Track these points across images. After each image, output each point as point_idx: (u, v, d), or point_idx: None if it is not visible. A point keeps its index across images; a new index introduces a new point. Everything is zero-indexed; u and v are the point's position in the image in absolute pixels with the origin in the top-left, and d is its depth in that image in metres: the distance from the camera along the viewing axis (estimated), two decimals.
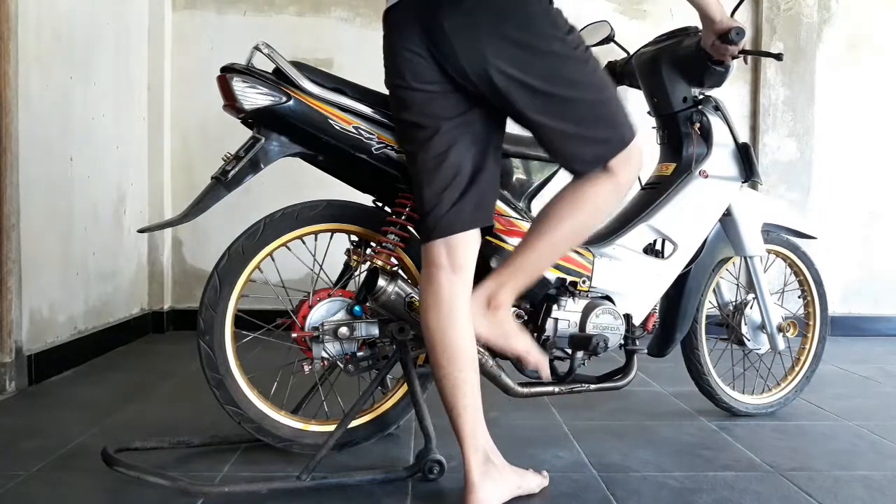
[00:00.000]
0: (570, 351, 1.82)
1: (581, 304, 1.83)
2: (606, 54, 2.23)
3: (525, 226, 1.78)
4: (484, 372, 1.66)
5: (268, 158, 1.65)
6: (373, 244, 1.80)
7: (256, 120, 1.64)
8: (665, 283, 1.99)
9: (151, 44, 3.51)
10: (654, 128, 2.14)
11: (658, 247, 2.02)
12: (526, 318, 1.81)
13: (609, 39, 2.13)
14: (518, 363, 1.70)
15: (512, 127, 1.58)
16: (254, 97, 1.58)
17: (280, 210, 1.74)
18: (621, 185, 1.53)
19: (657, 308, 2.03)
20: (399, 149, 1.66)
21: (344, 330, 1.71)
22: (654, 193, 2.03)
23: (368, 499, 1.58)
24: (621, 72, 2.19)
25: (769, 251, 2.22)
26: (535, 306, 1.82)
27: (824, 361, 2.39)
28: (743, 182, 2.08)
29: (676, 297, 2.06)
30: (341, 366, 1.75)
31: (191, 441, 1.85)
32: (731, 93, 3.67)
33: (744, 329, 2.20)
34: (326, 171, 1.82)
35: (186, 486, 1.55)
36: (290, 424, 1.77)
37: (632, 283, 1.93)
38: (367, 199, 1.86)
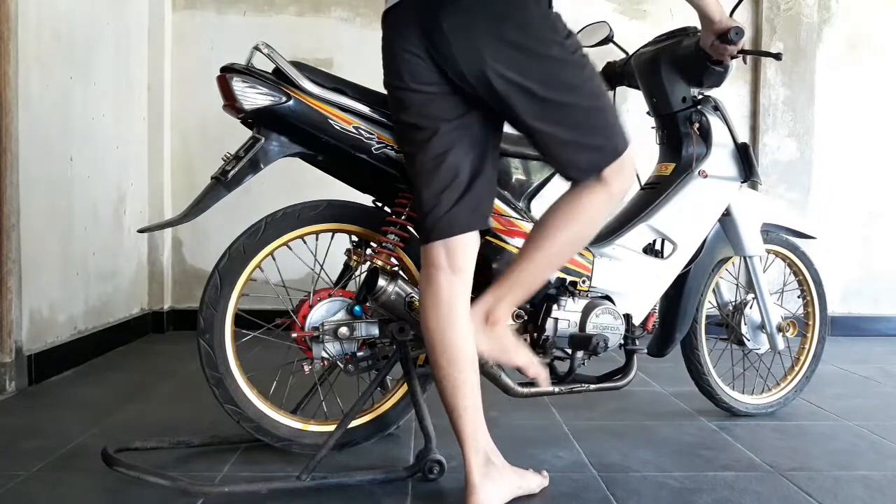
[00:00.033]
0: (569, 351, 1.83)
1: (581, 303, 1.83)
2: (606, 55, 2.23)
3: (525, 225, 1.78)
4: (484, 372, 1.66)
5: (268, 158, 1.65)
6: (373, 244, 1.80)
7: (256, 120, 1.65)
8: (665, 283, 1.99)
9: (151, 44, 3.51)
10: (653, 128, 2.14)
11: (658, 247, 2.02)
12: (526, 317, 1.81)
13: (608, 40, 2.13)
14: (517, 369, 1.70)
15: (511, 127, 1.58)
16: (254, 97, 1.58)
17: (281, 209, 1.75)
18: (614, 195, 1.53)
19: (657, 308, 2.03)
20: (399, 149, 1.66)
21: (344, 330, 1.71)
22: (654, 193, 2.03)
23: (368, 499, 1.58)
24: (620, 72, 2.19)
25: (768, 251, 2.22)
26: (535, 306, 1.82)
27: (824, 361, 2.39)
28: (742, 182, 2.08)
29: (676, 297, 2.06)
30: (341, 366, 1.75)
31: (191, 441, 1.85)
32: (731, 93, 3.67)
33: (743, 329, 2.20)
34: (326, 171, 1.82)
35: (186, 486, 1.55)
36: (289, 424, 1.77)
37: (631, 283, 1.93)
38: (367, 199, 1.86)
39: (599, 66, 2.21)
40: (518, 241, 1.74)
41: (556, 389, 1.81)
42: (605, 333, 1.80)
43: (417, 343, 1.69)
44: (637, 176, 1.99)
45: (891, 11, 3.82)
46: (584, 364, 1.84)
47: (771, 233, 2.21)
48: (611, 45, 2.15)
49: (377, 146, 1.67)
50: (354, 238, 1.83)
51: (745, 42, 1.86)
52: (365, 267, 1.75)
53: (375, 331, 1.73)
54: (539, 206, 1.73)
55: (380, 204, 1.85)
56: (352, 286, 1.85)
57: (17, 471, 1.69)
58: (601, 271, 1.89)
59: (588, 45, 2.10)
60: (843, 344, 3.47)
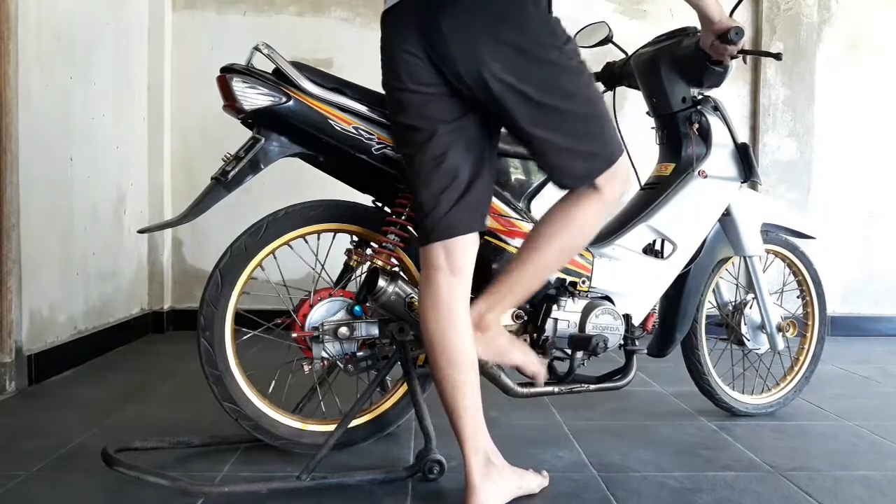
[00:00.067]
0: (569, 351, 1.83)
1: (581, 304, 1.83)
2: (605, 55, 2.23)
3: (524, 226, 1.78)
4: (484, 372, 1.66)
5: (268, 159, 1.65)
6: (373, 244, 1.80)
7: (256, 120, 1.65)
8: (664, 283, 1.99)
9: (151, 44, 3.51)
10: (653, 128, 2.14)
11: (657, 247, 2.02)
12: (526, 318, 1.81)
13: (607, 40, 2.13)
14: (516, 368, 1.70)
15: (506, 131, 1.58)
16: (254, 97, 1.59)
17: (284, 209, 1.75)
18: (607, 202, 1.53)
19: (657, 308, 2.03)
20: (397, 150, 1.66)
21: (344, 330, 1.71)
22: (654, 194, 2.03)
23: (368, 499, 1.58)
24: (620, 72, 2.19)
25: (768, 251, 2.22)
26: (534, 306, 1.82)
27: (824, 361, 2.39)
28: (742, 182, 2.08)
29: (676, 298, 2.06)
30: (341, 366, 1.75)
31: (191, 441, 1.85)
32: (731, 93, 3.67)
33: (743, 329, 2.20)
34: (326, 171, 1.82)
35: (186, 486, 1.55)
36: (288, 423, 1.77)
37: (631, 284, 1.93)
38: (367, 200, 1.86)
39: (599, 67, 2.23)
40: (518, 242, 1.74)
41: (556, 389, 1.81)
42: (604, 334, 1.80)
43: (417, 343, 1.69)
44: (637, 176, 2.00)
45: (891, 11, 3.82)
46: (583, 364, 1.84)
47: (770, 233, 2.21)
48: (610, 45, 2.15)
49: (377, 146, 1.67)
50: (355, 238, 1.84)
51: (745, 42, 1.86)
52: (365, 267, 1.75)
53: (375, 331, 1.73)
54: (539, 207, 1.73)
55: (380, 204, 1.85)
56: (353, 286, 1.85)
57: (17, 471, 1.69)
58: (601, 272, 1.89)
59: (587, 45, 2.10)
60: (843, 344, 3.46)
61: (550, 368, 1.81)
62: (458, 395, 1.49)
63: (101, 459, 1.65)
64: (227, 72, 1.61)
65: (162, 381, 2.59)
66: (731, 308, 2.24)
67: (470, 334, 1.51)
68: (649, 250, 2.00)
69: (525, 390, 1.78)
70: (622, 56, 2.19)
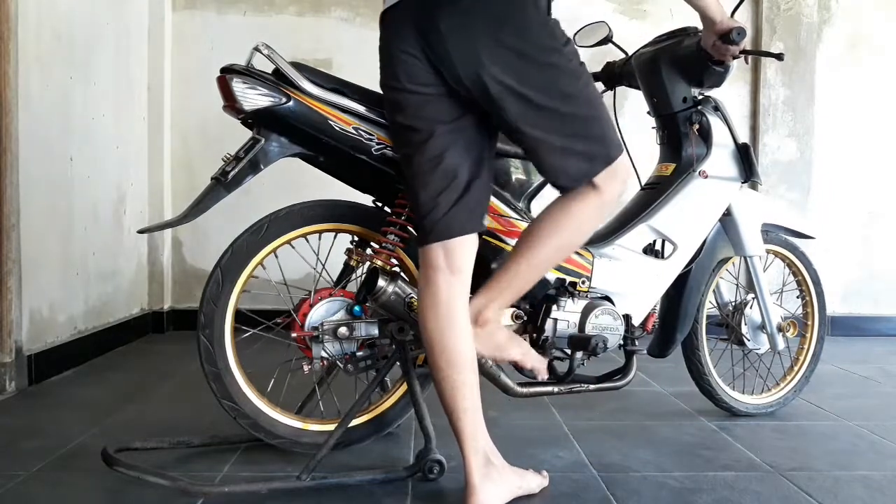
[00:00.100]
0: (569, 351, 1.82)
1: (580, 304, 1.83)
2: (605, 54, 2.23)
3: (524, 226, 1.78)
4: (483, 372, 1.66)
5: (268, 159, 1.65)
6: (373, 244, 1.80)
7: (256, 120, 1.65)
8: (665, 283, 1.99)
9: (151, 44, 3.51)
10: (653, 128, 2.14)
11: (658, 247, 2.02)
12: (525, 318, 1.81)
13: (607, 40, 2.13)
14: (516, 365, 1.70)
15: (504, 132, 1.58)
16: (254, 98, 1.59)
17: (286, 207, 1.75)
18: (606, 202, 1.53)
19: (657, 308, 2.03)
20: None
21: (343, 330, 1.71)
22: (654, 194, 2.03)
23: (368, 499, 1.58)
24: (620, 72, 2.19)
25: (768, 251, 2.22)
26: (534, 306, 1.82)
27: (824, 361, 2.39)
28: (743, 182, 2.08)
29: (676, 298, 2.06)
30: (341, 366, 1.75)
31: (191, 441, 1.85)
32: (731, 93, 3.67)
33: (744, 329, 2.20)
34: (326, 171, 1.82)
35: (186, 486, 1.55)
36: (287, 423, 1.77)
37: (631, 284, 1.93)
38: (367, 200, 1.86)
39: (599, 66, 2.23)
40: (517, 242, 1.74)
41: (556, 389, 1.81)
42: (604, 334, 1.80)
43: (417, 343, 1.69)
44: (637, 176, 2.00)
45: (891, 11, 3.82)
46: (583, 364, 1.84)
47: (771, 233, 2.21)
48: (610, 45, 2.15)
49: (377, 147, 1.67)
50: (355, 238, 1.83)
51: (746, 42, 1.86)
52: (365, 267, 1.76)
53: (375, 331, 1.73)
54: (539, 207, 1.73)
55: (380, 204, 1.85)
56: (353, 286, 1.84)
57: (17, 471, 1.69)
58: (601, 272, 1.89)
59: (587, 44, 2.10)
60: (843, 344, 3.46)
61: (550, 368, 1.81)
62: (457, 395, 1.49)
63: (101, 459, 1.65)
64: (227, 72, 1.61)
65: (162, 381, 2.59)
66: (731, 308, 2.24)
67: (469, 335, 1.51)
68: (649, 250, 2.00)
69: (525, 390, 1.78)
70: (622, 56, 2.19)
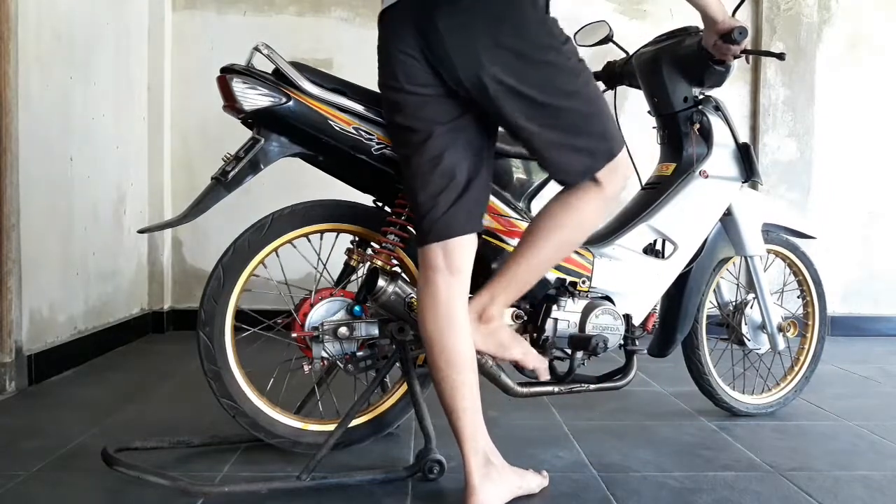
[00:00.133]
0: (569, 351, 1.82)
1: (581, 304, 1.83)
2: (605, 54, 2.23)
3: (524, 226, 1.78)
4: (483, 372, 1.66)
5: (268, 159, 1.65)
6: (374, 244, 1.80)
7: (256, 120, 1.65)
8: (665, 283, 1.99)
9: (151, 44, 3.51)
10: (654, 127, 2.14)
11: (658, 247, 2.02)
12: (526, 318, 1.81)
13: (608, 39, 2.13)
14: (517, 365, 1.70)
15: (505, 130, 1.58)
16: (254, 98, 1.59)
17: (289, 207, 1.75)
18: (607, 198, 1.53)
19: (657, 308, 2.03)
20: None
21: (344, 330, 1.71)
22: (655, 193, 2.03)
23: (368, 499, 1.58)
24: (621, 72, 2.19)
25: (768, 251, 2.22)
26: (534, 306, 1.82)
27: (824, 361, 2.39)
28: (743, 182, 2.08)
29: (677, 298, 2.06)
30: (341, 366, 1.75)
31: (191, 441, 1.85)
32: (731, 93, 3.67)
33: (744, 329, 2.20)
34: (326, 171, 1.82)
35: (186, 486, 1.55)
36: (287, 423, 1.77)
37: (632, 284, 1.93)
38: (367, 200, 1.86)
39: (600, 66, 2.23)
40: (517, 242, 1.73)
41: (556, 389, 1.81)
42: (604, 334, 1.80)
43: (417, 343, 1.69)
44: (638, 176, 2.00)
45: (891, 11, 3.82)
46: (583, 364, 1.84)
47: (771, 233, 2.21)
48: (611, 44, 2.15)
49: (377, 146, 1.67)
50: (356, 238, 1.83)
51: (746, 42, 1.86)
52: (366, 267, 1.75)
53: (375, 331, 1.73)
54: (539, 207, 1.73)
55: (380, 204, 1.85)
56: (354, 286, 1.84)
57: (17, 471, 1.69)
58: (601, 271, 1.88)
59: (587, 44, 2.10)
60: (843, 344, 3.46)
61: (550, 368, 1.81)
62: (457, 395, 1.49)
63: (101, 459, 1.65)
64: (227, 72, 1.61)
65: (162, 381, 2.59)
66: (731, 308, 2.24)
67: (468, 335, 1.51)
68: (650, 250, 2.00)
69: (525, 390, 1.77)
70: (623, 55, 2.19)
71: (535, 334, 1.81)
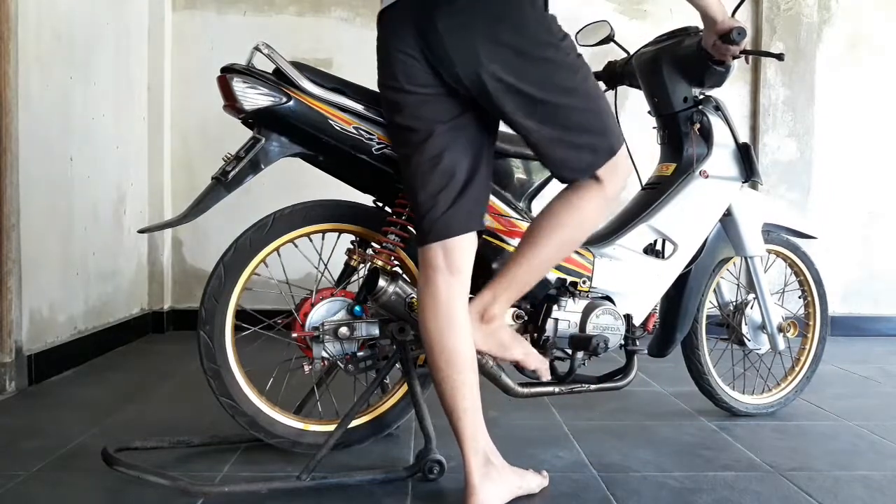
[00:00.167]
0: (570, 351, 1.82)
1: (581, 304, 1.83)
2: (606, 54, 2.23)
3: (525, 226, 1.78)
4: (484, 372, 1.66)
5: (268, 159, 1.65)
6: (374, 244, 1.80)
7: (257, 120, 1.65)
8: (665, 283, 1.99)
9: (151, 44, 3.51)
10: (654, 128, 2.14)
11: (658, 247, 2.02)
12: (526, 318, 1.81)
13: (609, 39, 2.13)
14: (517, 366, 1.70)
15: (507, 126, 1.58)
16: (254, 97, 1.58)
17: (290, 206, 1.75)
18: (608, 196, 1.53)
19: (657, 308, 2.03)
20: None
21: (344, 330, 1.70)
22: (655, 193, 2.03)
23: (368, 499, 1.58)
24: (621, 72, 2.19)
25: (769, 251, 2.22)
26: (535, 306, 1.82)
27: (824, 361, 2.39)
28: (743, 182, 2.08)
29: (677, 298, 2.06)
30: (341, 366, 1.75)
31: (191, 441, 1.85)
32: (731, 93, 3.67)
33: (744, 329, 2.20)
34: (326, 171, 1.82)
35: (186, 486, 1.55)
36: (286, 422, 1.77)
37: (632, 284, 1.93)
38: (367, 200, 1.86)
39: (600, 66, 2.23)
40: (518, 242, 1.73)
41: (557, 390, 1.81)
42: (605, 334, 1.80)
43: (417, 343, 1.69)
44: (638, 176, 2.00)
45: (891, 11, 3.82)
46: (584, 364, 1.84)
47: (772, 233, 2.21)
48: (611, 44, 2.15)
49: (377, 146, 1.67)
50: (356, 238, 1.83)
51: (746, 42, 1.86)
52: (366, 267, 1.75)
53: (376, 331, 1.73)
54: (539, 207, 1.73)
55: (380, 204, 1.85)
56: (354, 287, 1.84)
57: (17, 471, 1.69)
58: (602, 272, 1.88)
59: (589, 44, 2.10)
60: (843, 344, 3.47)
61: (551, 369, 1.81)
62: (457, 395, 1.49)
63: (101, 459, 1.65)
64: (228, 72, 1.61)
65: (162, 381, 2.59)
66: (731, 308, 2.23)
67: (469, 335, 1.51)
68: (650, 250, 2.00)
69: (525, 390, 1.77)
70: (624, 55, 2.19)
71: (535, 334, 1.81)
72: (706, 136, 2.05)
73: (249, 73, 1.60)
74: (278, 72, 1.63)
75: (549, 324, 1.80)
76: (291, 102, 1.61)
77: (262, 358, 1.87)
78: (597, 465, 1.78)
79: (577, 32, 2.05)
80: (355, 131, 1.65)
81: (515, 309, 1.78)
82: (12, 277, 2.38)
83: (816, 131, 3.77)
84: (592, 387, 1.85)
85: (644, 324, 1.96)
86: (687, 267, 2.03)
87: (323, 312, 1.72)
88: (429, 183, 1.49)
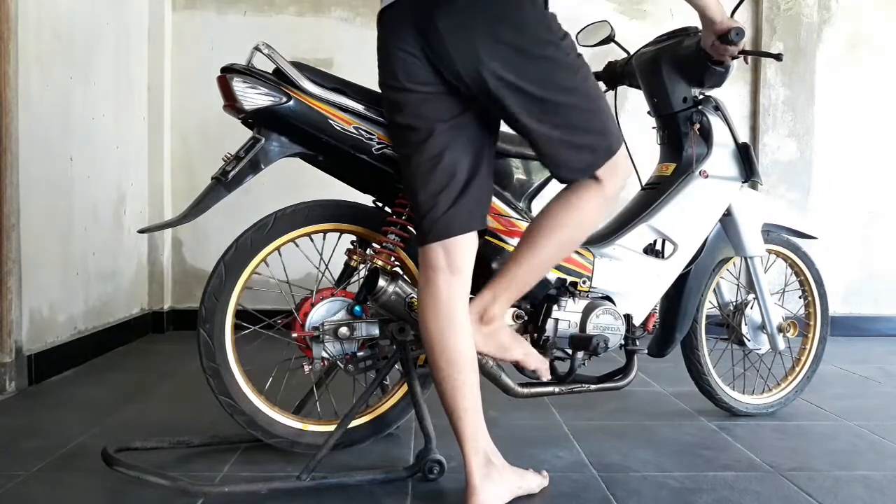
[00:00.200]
0: (570, 351, 1.82)
1: (581, 304, 1.83)
2: (606, 54, 2.23)
3: (525, 226, 1.78)
4: (484, 372, 1.66)
5: (268, 159, 1.65)
6: (374, 244, 1.80)
7: (257, 120, 1.65)
8: (665, 283, 1.99)
9: (151, 44, 3.51)
10: (654, 128, 2.14)
11: (658, 247, 2.02)
12: (526, 318, 1.81)
13: (609, 39, 2.13)
14: (517, 366, 1.70)
15: (507, 126, 1.58)
16: (254, 97, 1.58)
17: (292, 206, 1.75)
18: (608, 196, 1.54)
19: (657, 308, 2.03)
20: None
21: (344, 330, 1.70)
22: (655, 193, 2.03)
23: (368, 499, 1.58)
24: (621, 72, 2.19)
25: (769, 251, 2.22)
26: (535, 306, 1.82)
27: (824, 361, 2.39)
28: (743, 182, 2.08)
29: (677, 298, 2.06)
30: (341, 366, 1.75)
31: (191, 441, 1.85)
32: (731, 93, 3.67)
33: (744, 329, 2.20)
34: (326, 171, 1.82)
35: (186, 486, 1.55)
36: (285, 422, 1.77)
37: (632, 284, 1.93)
38: (367, 200, 1.86)
39: (600, 66, 2.23)
40: (518, 242, 1.73)
41: (557, 390, 1.81)
42: (605, 334, 1.80)
43: (418, 343, 1.69)
44: (638, 176, 2.00)
45: (891, 11, 3.82)
46: (584, 364, 1.84)
47: (772, 233, 2.21)
48: (612, 44, 2.15)
49: (377, 146, 1.67)
50: (357, 238, 1.83)
51: (745, 42, 1.86)
52: (367, 267, 1.76)
53: (376, 331, 1.73)
54: (539, 207, 1.73)
55: (380, 204, 1.85)
56: (354, 287, 1.84)
57: (17, 471, 1.69)
58: (601, 272, 1.88)
59: (589, 44, 2.10)
60: (843, 344, 3.46)
61: (551, 369, 1.81)
62: (457, 395, 1.49)
63: (101, 459, 1.65)
64: (228, 72, 1.61)
65: (162, 381, 2.59)
66: (731, 308, 2.23)
67: (469, 334, 1.51)
68: (650, 250, 2.00)
69: (525, 390, 1.78)
70: (624, 55, 2.19)
71: (535, 334, 1.81)
72: (706, 136, 2.05)
73: (249, 73, 1.60)
74: (278, 72, 1.63)
75: (549, 324, 1.80)
76: (291, 102, 1.61)
77: (261, 357, 1.87)
78: (597, 465, 1.78)
79: (578, 33, 2.05)
80: (355, 131, 1.65)
81: (515, 309, 1.78)
82: (12, 277, 2.38)
83: (816, 131, 3.77)
84: (592, 387, 1.85)
85: (644, 324, 1.96)
86: (687, 267, 2.03)
87: (323, 312, 1.72)
88: (429, 182, 1.49)
